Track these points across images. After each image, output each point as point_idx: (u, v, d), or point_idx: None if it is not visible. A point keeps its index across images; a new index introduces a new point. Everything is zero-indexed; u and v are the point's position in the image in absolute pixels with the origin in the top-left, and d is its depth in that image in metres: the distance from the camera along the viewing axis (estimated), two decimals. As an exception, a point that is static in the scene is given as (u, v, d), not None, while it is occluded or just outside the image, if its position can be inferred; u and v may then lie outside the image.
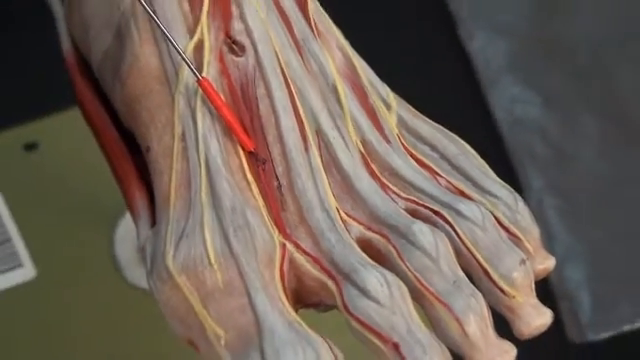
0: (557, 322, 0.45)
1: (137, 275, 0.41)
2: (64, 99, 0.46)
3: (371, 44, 0.50)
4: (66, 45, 0.31)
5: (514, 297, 0.27)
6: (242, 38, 0.29)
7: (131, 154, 0.30)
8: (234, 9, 0.29)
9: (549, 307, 0.41)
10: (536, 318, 0.27)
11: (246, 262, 0.26)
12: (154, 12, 0.29)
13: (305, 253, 0.27)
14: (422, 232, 0.27)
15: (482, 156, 0.47)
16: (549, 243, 0.46)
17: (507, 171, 0.48)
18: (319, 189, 0.28)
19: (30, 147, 0.44)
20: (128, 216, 0.42)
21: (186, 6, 0.29)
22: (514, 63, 0.50)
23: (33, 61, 0.49)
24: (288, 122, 0.28)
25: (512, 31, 0.52)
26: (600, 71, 0.51)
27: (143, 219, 0.29)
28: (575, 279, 0.45)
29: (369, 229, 0.28)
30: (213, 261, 0.26)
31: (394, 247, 0.27)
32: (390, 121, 0.30)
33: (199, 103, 0.28)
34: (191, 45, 0.28)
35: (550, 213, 0.47)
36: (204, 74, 0.28)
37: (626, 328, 0.44)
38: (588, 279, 0.45)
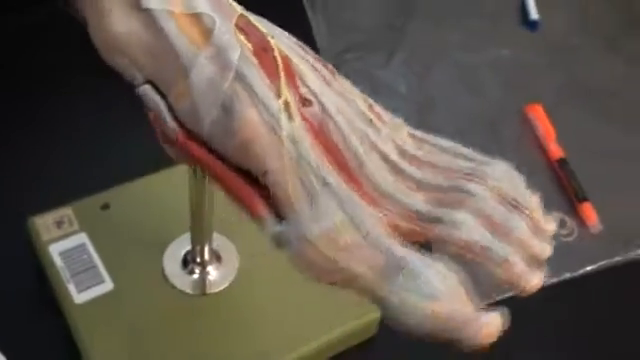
0: None
1: (180, 283, 0.42)
2: (124, 176, 0.47)
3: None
4: (173, 125, 0.30)
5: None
6: (308, 96, 0.30)
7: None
8: (298, 80, 0.30)
9: None
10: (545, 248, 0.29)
11: (363, 226, 0.28)
12: (251, 87, 0.29)
13: (394, 214, 0.29)
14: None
15: None
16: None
17: None
18: (385, 175, 0.29)
19: (105, 207, 0.45)
20: (171, 244, 0.44)
21: (267, 81, 0.30)
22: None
23: (98, 151, 0.50)
24: (353, 137, 0.30)
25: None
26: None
27: (270, 219, 0.29)
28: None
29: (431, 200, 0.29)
30: (342, 230, 0.28)
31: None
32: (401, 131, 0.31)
33: (298, 138, 0.29)
34: (282, 104, 0.29)
35: None
36: (295, 119, 0.29)
37: (483, 302, 0.47)
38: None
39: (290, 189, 0.29)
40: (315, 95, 0.30)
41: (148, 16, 0.30)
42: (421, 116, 0.55)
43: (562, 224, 0.51)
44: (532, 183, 0.52)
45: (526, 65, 0.60)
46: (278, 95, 0.29)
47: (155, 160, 0.49)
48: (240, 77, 0.29)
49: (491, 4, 0.64)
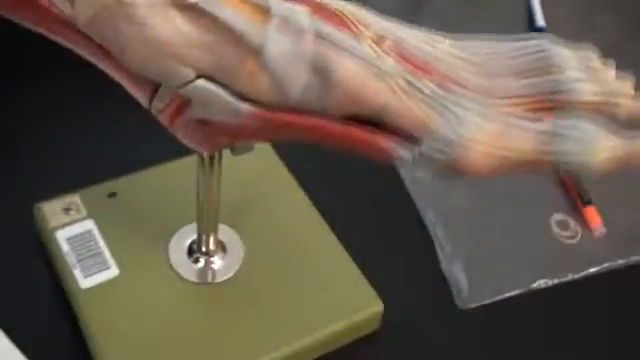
0: (450, 296, 0.47)
1: (185, 272, 0.42)
2: (129, 167, 0.49)
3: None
4: (244, 106, 0.30)
5: None
6: (380, 33, 0.31)
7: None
8: (363, 23, 0.31)
9: (445, 289, 0.47)
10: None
11: (500, 116, 0.29)
12: (333, 41, 0.30)
13: (512, 98, 0.30)
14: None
15: (394, 201, 0.52)
16: (441, 250, 0.48)
17: (411, 209, 0.50)
18: (479, 80, 0.31)
19: (112, 195, 0.45)
20: (177, 233, 0.44)
21: (344, 31, 0.30)
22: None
23: (106, 142, 0.51)
24: (434, 57, 0.31)
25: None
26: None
27: (402, 147, 0.30)
28: (458, 271, 0.47)
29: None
30: (484, 125, 0.29)
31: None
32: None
33: (397, 69, 0.30)
34: (367, 45, 0.30)
35: (439, 232, 0.49)
36: (384, 55, 0.30)
37: (487, 301, 0.47)
38: (465, 271, 0.47)
39: (418, 113, 0.30)
40: (384, 31, 0.31)
41: (194, 10, 0.29)
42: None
43: (566, 226, 0.52)
44: (538, 186, 0.53)
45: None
46: (359, 40, 0.30)
47: (163, 152, 0.51)
48: (319, 36, 0.29)
49: (498, 10, 0.65)
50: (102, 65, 0.32)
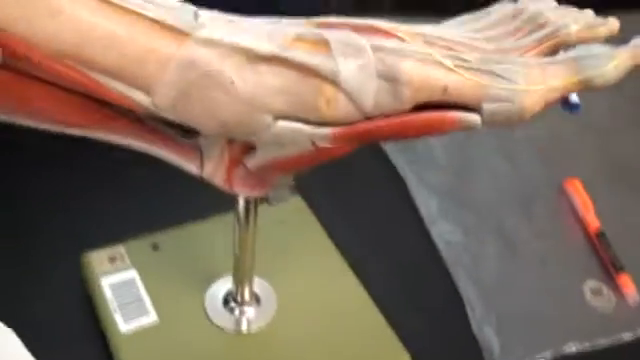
0: (480, 357, 0.47)
1: (220, 321, 0.44)
2: (171, 221, 0.50)
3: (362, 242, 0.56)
4: (325, 131, 0.32)
5: None
6: (410, 31, 0.34)
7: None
8: (393, 31, 0.33)
9: (475, 350, 0.47)
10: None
11: (532, 63, 0.33)
12: (388, 49, 0.32)
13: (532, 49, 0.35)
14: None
15: (426, 264, 0.53)
16: (472, 312, 0.49)
17: (443, 272, 0.52)
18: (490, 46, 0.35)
19: (155, 247, 0.48)
20: (214, 284, 0.46)
21: (392, 39, 0.33)
22: (443, 211, 0.56)
23: (151, 199, 0.54)
24: (454, 41, 0.34)
25: (441, 192, 0.57)
26: (494, 217, 0.56)
27: (469, 115, 0.33)
28: (489, 332, 0.48)
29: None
30: (528, 71, 0.33)
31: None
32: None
33: (444, 53, 0.33)
34: (414, 42, 0.33)
35: (470, 294, 0.50)
36: (428, 46, 0.33)
37: None
38: (497, 332, 0.48)
39: (474, 82, 0.32)
40: (410, 30, 0.34)
41: (274, 59, 0.31)
42: (460, 184, 0.58)
43: (599, 293, 0.52)
44: (571, 251, 0.54)
45: (564, 141, 0.62)
46: (405, 40, 0.33)
47: (203, 208, 0.53)
48: (375, 48, 0.32)
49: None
50: (145, 146, 0.34)
